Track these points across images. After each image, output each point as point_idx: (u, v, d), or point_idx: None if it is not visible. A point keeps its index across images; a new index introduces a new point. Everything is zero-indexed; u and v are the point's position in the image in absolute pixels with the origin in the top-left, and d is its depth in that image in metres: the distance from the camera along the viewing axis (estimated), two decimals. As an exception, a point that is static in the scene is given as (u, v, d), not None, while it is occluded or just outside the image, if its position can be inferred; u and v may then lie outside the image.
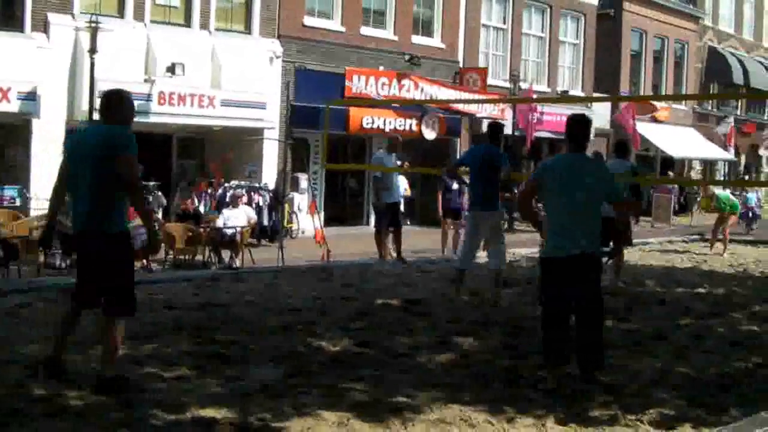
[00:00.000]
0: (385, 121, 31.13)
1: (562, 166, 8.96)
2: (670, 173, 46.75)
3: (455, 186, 22.39)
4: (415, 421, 7.33)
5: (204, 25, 27.79)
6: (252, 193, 27.03)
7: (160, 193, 25.21)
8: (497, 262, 13.79)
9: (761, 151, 58.18)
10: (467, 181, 17.37)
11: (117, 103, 7.96)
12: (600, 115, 41.27)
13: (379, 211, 19.64)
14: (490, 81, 36.14)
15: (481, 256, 16.26)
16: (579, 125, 9.08)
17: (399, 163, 22.15)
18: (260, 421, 7.18)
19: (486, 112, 35.42)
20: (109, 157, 7.58)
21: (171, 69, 25.63)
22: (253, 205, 25.88)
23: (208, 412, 7.31)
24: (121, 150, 7.60)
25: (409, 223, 30.44)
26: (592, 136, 10.53)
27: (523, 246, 21.60)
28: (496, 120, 24.42)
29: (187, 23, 27.61)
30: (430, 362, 9.50)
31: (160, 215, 24.12)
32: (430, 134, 32.41)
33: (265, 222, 27.12)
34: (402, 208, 20.91)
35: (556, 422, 7.46)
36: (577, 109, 31.35)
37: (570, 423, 7.46)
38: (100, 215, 7.74)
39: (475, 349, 10.26)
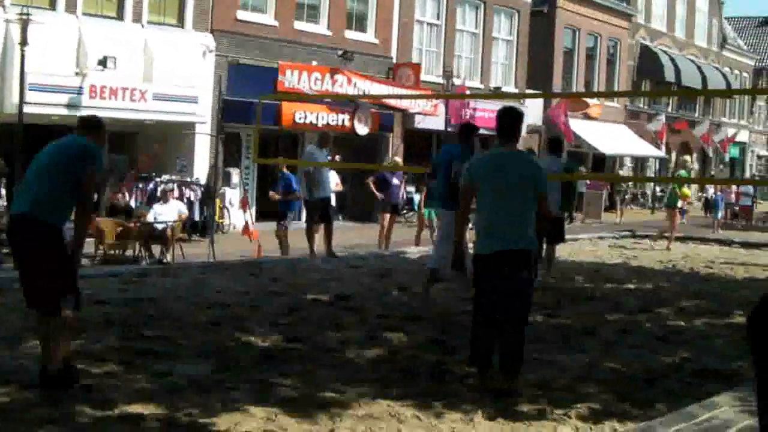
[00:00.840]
0: (317, 116, 31.10)
1: (490, 161, 8.73)
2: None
3: (395, 181, 22.49)
4: (343, 417, 7.33)
5: (136, 19, 27.50)
6: (183, 188, 26.92)
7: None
8: (436, 261, 13.60)
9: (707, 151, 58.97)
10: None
11: (102, 127, 8.46)
12: (532, 112, 41.55)
13: (311, 207, 19.50)
14: (423, 77, 36.35)
15: (415, 251, 16.17)
16: (509, 118, 8.76)
17: (330, 157, 22.14)
18: (188, 416, 7.16)
19: (419, 107, 35.54)
20: (80, 165, 7.87)
21: (102, 62, 25.36)
22: (184, 200, 25.77)
23: (136, 408, 7.27)
24: (92, 166, 7.98)
25: (341, 218, 30.42)
26: (524, 132, 10.47)
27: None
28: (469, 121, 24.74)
29: (120, 16, 27.30)
30: (358, 357, 9.51)
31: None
32: (362, 129, 32.46)
33: (196, 217, 27.03)
34: (333, 203, 20.89)
35: (483, 417, 7.47)
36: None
37: (498, 418, 7.48)
38: (46, 207, 7.77)
39: (404, 344, 10.29)
